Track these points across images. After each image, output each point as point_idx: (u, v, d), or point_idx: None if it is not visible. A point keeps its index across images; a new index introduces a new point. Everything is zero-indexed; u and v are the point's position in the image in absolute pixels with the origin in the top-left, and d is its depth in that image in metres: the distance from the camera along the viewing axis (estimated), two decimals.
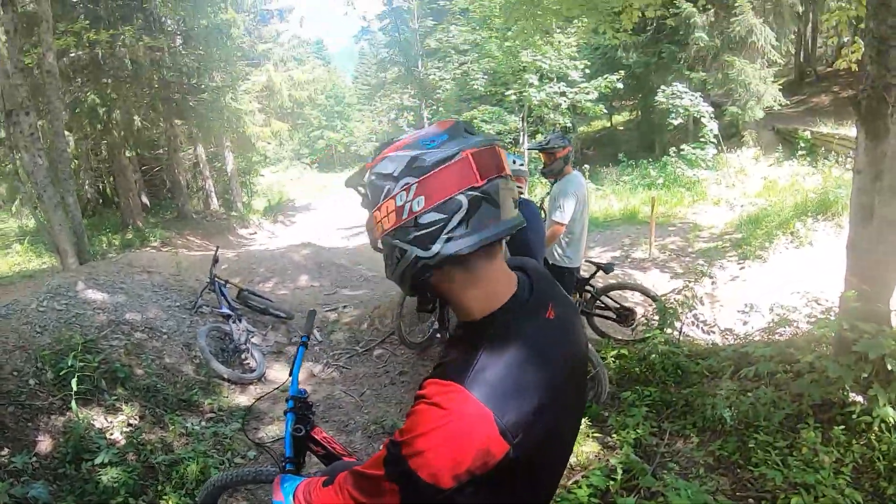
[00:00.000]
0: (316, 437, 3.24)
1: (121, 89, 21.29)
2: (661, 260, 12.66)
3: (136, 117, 22.05)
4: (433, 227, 1.51)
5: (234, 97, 25.87)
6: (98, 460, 4.93)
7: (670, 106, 21.88)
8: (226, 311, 8.07)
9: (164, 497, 4.75)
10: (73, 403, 5.48)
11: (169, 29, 23.43)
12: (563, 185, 6.67)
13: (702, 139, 21.64)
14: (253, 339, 8.16)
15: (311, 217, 31.00)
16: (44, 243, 19.03)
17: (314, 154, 63.29)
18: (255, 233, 27.19)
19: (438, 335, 7.50)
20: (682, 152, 21.69)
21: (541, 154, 6.90)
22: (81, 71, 21.15)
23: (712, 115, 21.55)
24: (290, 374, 3.35)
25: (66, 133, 16.40)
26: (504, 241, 1.67)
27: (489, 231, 1.52)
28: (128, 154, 23.89)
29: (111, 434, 5.57)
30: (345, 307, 9.76)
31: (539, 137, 23.67)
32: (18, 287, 12.11)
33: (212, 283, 8.55)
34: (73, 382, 5.56)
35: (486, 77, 25.29)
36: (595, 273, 7.76)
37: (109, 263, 10.10)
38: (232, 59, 25.96)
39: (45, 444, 5.22)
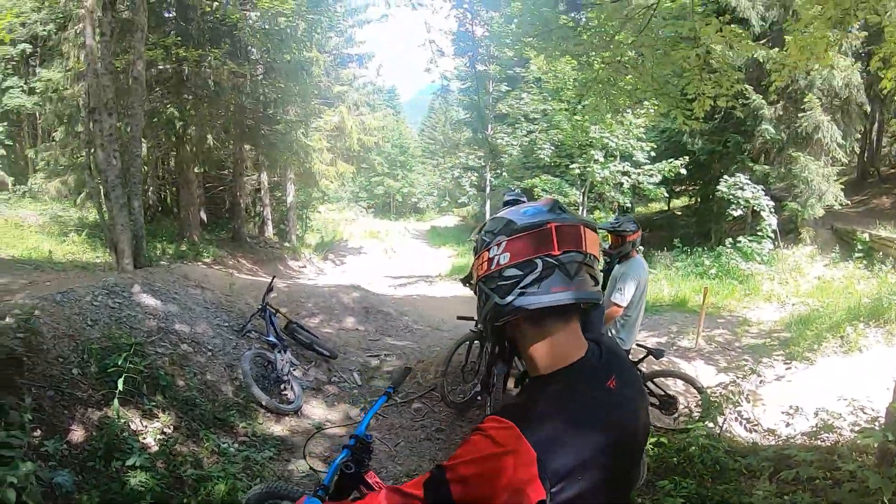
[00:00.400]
0: (368, 480, 3.26)
1: (199, 107, 21.90)
2: (707, 351, 12.38)
3: (209, 136, 22.63)
4: (511, 281, 1.74)
5: (305, 133, 26.48)
6: (129, 462, 4.93)
7: (731, 196, 21.47)
8: (273, 339, 8.12)
9: None
10: (116, 402, 5.50)
11: (253, 58, 24.00)
12: (625, 268, 6.73)
13: (759, 233, 21.15)
14: (294, 372, 8.16)
15: (360, 260, 31.19)
16: (101, 238, 19.40)
17: (372, 199, 64.00)
18: (305, 266, 27.47)
19: (479, 398, 7.49)
20: (738, 244, 21.24)
21: (609, 235, 6.94)
22: (164, 83, 21.76)
23: (772, 210, 21.11)
24: (363, 413, 3.42)
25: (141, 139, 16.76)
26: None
27: (557, 296, 1.72)
28: (196, 170, 24.35)
29: (144, 438, 5.59)
30: (387, 355, 9.75)
31: (598, 214, 23.71)
32: (70, 276, 12.29)
33: (263, 309, 8.60)
34: (120, 382, 5.59)
35: (552, 147, 25.40)
36: (644, 357, 7.67)
37: (166, 272, 10.21)
38: (308, 96, 26.63)
39: (77, 434, 5.25)
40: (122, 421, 5.49)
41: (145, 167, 21.87)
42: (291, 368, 8.03)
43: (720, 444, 6.10)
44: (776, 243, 21.73)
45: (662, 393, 7.63)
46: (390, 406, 8.16)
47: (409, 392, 8.55)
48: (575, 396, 1.72)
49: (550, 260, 1.72)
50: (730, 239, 21.83)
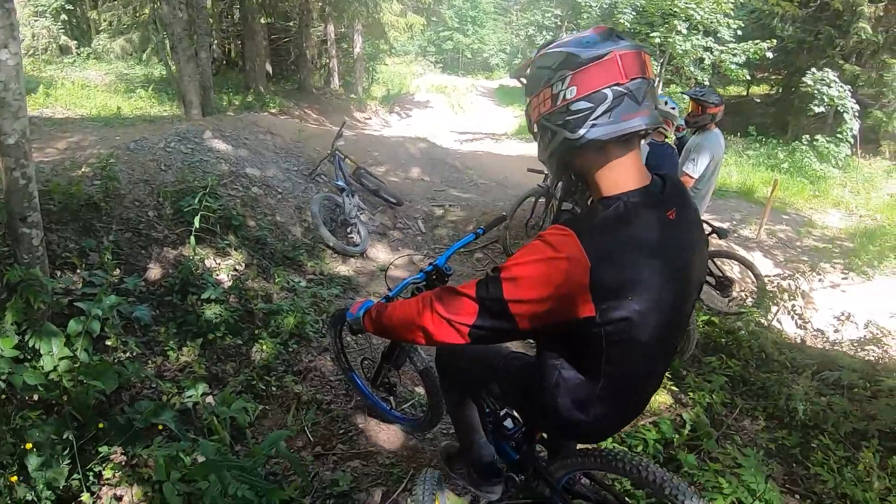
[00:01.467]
0: None
1: None
2: (767, 245, 12.21)
3: None
4: (581, 114, 1.76)
5: None
6: (204, 295, 5.19)
7: (815, 91, 20.36)
8: (341, 183, 8.21)
9: (260, 341, 4.97)
10: (192, 239, 5.73)
11: None
12: (701, 140, 6.56)
13: (839, 135, 20.20)
14: (361, 216, 8.35)
15: (427, 114, 30.77)
16: (167, 92, 19.61)
17: (440, 54, 62.80)
18: (370, 118, 27.22)
19: None
20: (815, 142, 20.39)
21: (690, 102, 6.77)
22: None
23: (856, 114, 20.06)
24: (427, 258, 3.55)
25: None
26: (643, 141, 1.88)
27: (628, 123, 1.75)
28: (261, 21, 24.12)
29: (218, 275, 5.85)
30: (451, 205, 9.86)
31: (674, 89, 22.93)
32: (140, 129, 12.50)
33: (332, 155, 8.68)
34: (196, 220, 5.80)
35: (633, 13, 24.41)
36: (708, 234, 7.43)
37: (235, 119, 10.37)
38: None
39: (154, 272, 5.53)
40: (198, 258, 5.74)
41: (210, 20, 21.76)
42: (358, 212, 8.21)
43: (769, 333, 6.15)
44: (854, 150, 20.97)
45: (720, 274, 7.52)
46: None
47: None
48: (633, 217, 1.77)
49: (619, 89, 1.73)
50: (807, 136, 20.94)
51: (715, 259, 7.64)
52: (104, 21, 24.93)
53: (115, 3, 24.11)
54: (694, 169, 6.44)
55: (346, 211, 7.95)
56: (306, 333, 5.31)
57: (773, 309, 6.75)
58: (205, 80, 13.71)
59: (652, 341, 1.87)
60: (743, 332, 5.89)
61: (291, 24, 26.95)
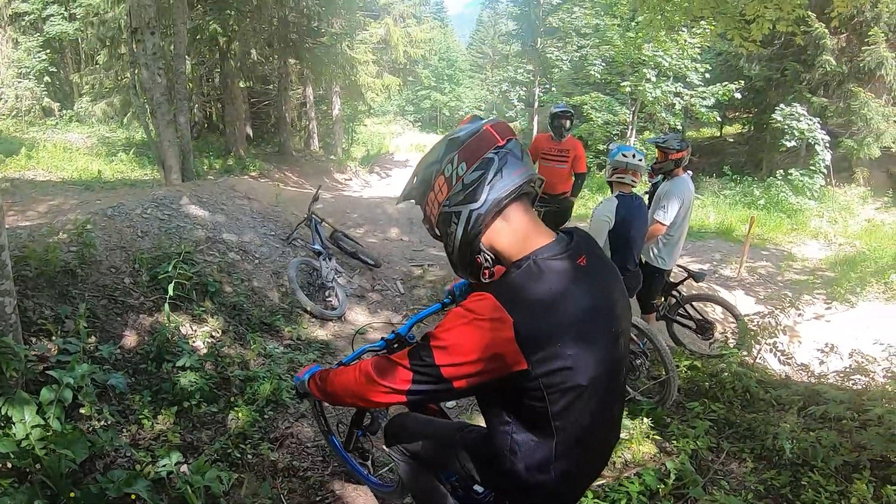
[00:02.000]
0: None
1: (242, 22, 21.78)
2: (749, 282, 12.30)
3: (253, 50, 22.63)
4: (477, 182, 1.93)
5: (350, 45, 26.24)
6: (179, 363, 5.14)
7: (786, 126, 20.92)
8: (318, 247, 8.26)
9: (236, 409, 4.92)
10: (167, 306, 5.69)
11: None
12: (669, 187, 6.63)
13: (812, 167, 20.60)
14: (339, 279, 8.34)
15: (406, 173, 30.69)
16: (148, 156, 19.75)
17: (419, 112, 63.43)
18: (351, 179, 27.41)
19: None
20: (789, 176, 20.77)
21: (656, 150, 6.88)
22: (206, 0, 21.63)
23: (827, 145, 20.52)
24: (405, 319, 3.52)
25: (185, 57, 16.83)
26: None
27: (519, 177, 1.94)
28: (241, 85, 24.35)
29: (194, 342, 5.81)
30: (430, 265, 9.87)
31: (648, 136, 23.27)
32: (120, 193, 12.52)
33: (309, 218, 8.77)
34: (170, 287, 5.76)
35: (603, 64, 24.91)
36: (685, 280, 7.57)
37: (213, 184, 10.42)
38: (353, 7, 26.36)
39: (130, 339, 5.47)
40: (173, 325, 5.69)
41: (190, 84, 21.93)
42: (336, 276, 8.21)
43: (753, 373, 6.12)
44: (828, 180, 21.36)
45: (700, 317, 7.64)
46: (433, 317, 8.25)
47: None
48: (545, 270, 1.87)
49: (502, 150, 1.94)
50: (781, 171, 21.37)
51: (694, 303, 7.73)
52: (86, 84, 25.31)
53: (97, 66, 24.40)
54: (665, 216, 6.51)
55: (323, 275, 7.96)
56: (283, 400, 5.26)
57: (756, 348, 6.76)
58: (184, 145, 13.75)
59: (594, 385, 1.92)
60: (726, 373, 5.86)
61: (271, 87, 27.32)
